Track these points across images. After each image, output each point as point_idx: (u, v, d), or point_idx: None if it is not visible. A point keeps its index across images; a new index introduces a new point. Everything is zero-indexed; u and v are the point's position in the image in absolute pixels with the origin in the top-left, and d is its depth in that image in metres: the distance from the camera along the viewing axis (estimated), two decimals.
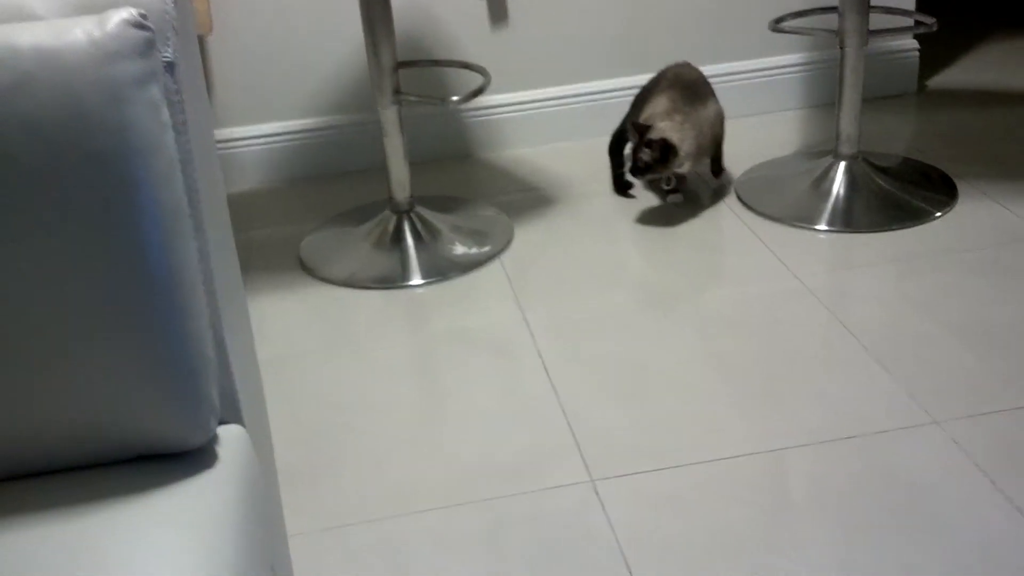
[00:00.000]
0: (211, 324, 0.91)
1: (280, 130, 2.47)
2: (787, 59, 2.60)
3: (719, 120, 2.22)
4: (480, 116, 2.52)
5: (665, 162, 2.07)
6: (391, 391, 1.71)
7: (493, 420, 1.62)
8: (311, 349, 1.84)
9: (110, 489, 0.84)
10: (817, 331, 1.76)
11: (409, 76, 2.39)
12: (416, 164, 2.47)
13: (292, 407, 1.69)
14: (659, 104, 2.13)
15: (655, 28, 2.53)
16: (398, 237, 2.12)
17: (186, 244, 0.85)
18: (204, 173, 0.95)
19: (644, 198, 2.27)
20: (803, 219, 2.10)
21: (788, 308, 1.83)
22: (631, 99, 2.28)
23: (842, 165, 2.16)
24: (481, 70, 2.10)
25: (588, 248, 2.10)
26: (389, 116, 2.06)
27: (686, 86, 2.17)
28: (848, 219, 2.09)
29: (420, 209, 2.17)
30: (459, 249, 2.10)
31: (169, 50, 0.89)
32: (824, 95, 2.63)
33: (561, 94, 2.54)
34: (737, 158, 2.40)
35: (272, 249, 2.21)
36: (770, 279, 1.92)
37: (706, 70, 2.46)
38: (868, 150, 2.24)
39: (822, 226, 2.08)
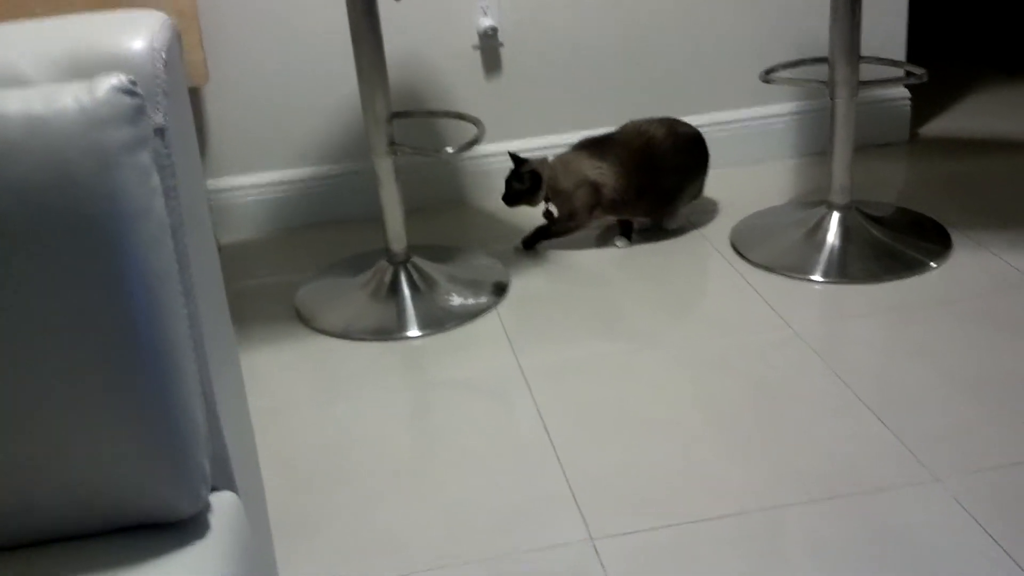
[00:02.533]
0: (202, 390, 0.90)
1: (276, 179, 2.48)
2: (779, 108, 2.61)
3: (589, 188, 2.24)
4: (474, 164, 2.53)
5: (534, 192, 2.23)
6: (385, 441, 1.70)
7: (488, 470, 1.60)
8: (305, 399, 1.83)
9: (98, 561, 0.83)
10: (811, 380, 1.76)
11: (404, 126, 2.40)
12: (411, 211, 2.47)
13: (286, 457, 1.68)
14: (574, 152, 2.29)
15: (648, 78, 2.55)
16: (395, 288, 2.12)
17: (175, 309, 0.84)
18: (195, 236, 0.95)
19: (636, 248, 2.27)
20: (797, 269, 2.10)
21: (782, 357, 1.83)
22: None
23: (835, 215, 2.16)
24: (475, 121, 2.10)
25: (582, 295, 2.10)
26: (384, 167, 2.06)
27: (611, 142, 2.26)
28: (842, 269, 2.09)
29: (416, 259, 2.16)
30: (455, 300, 2.09)
31: (160, 114, 0.90)
32: (817, 143, 2.64)
33: (554, 143, 2.55)
34: (731, 207, 2.41)
35: (267, 299, 2.20)
36: (763, 328, 1.92)
37: (698, 119, 2.48)
38: (861, 199, 2.25)
39: (816, 276, 2.08)
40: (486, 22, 2.42)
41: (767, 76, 2.18)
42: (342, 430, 1.74)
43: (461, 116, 2.15)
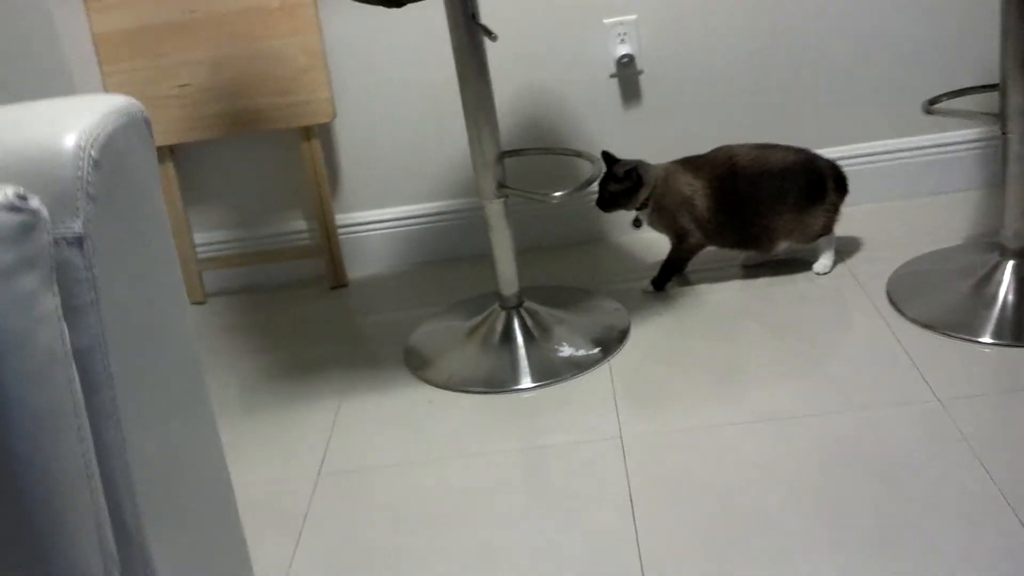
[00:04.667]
0: (127, 527, 0.81)
1: (401, 215, 2.41)
2: (951, 136, 2.30)
3: (685, 204, 2.06)
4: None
5: (632, 193, 2.05)
6: (460, 513, 1.57)
7: (563, 559, 1.45)
8: (389, 460, 1.74)
9: None
10: (953, 475, 1.49)
11: (528, 161, 2.27)
12: (532, 248, 2.35)
13: (354, 524, 1.58)
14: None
15: (792, 103, 2.30)
16: (507, 336, 1.99)
17: (67, 448, 0.75)
18: (135, 343, 0.86)
19: (778, 288, 2.04)
20: (962, 328, 1.81)
21: (921, 441, 1.57)
22: None
23: (1010, 265, 1.86)
24: (591, 158, 1.95)
25: (704, 348, 1.90)
26: (493, 210, 1.94)
27: (703, 160, 2.09)
28: (1018, 331, 1.79)
29: (530, 304, 2.03)
30: (566, 350, 1.95)
31: (77, 222, 0.81)
32: (996, 173, 2.30)
33: None
34: (894, 247, 2.14)
35: (380, 340, 2.13)
36: (908, 402, 1.66)
37: (858, 148, 2.22)
38: None
39: (985, 338, 1.79)
40: (623, 49, 2.25)
41: (930, 107, 1.90)
42: (418, 497, 1.63)
43: (577, 153, 2.00)
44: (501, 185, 1.92)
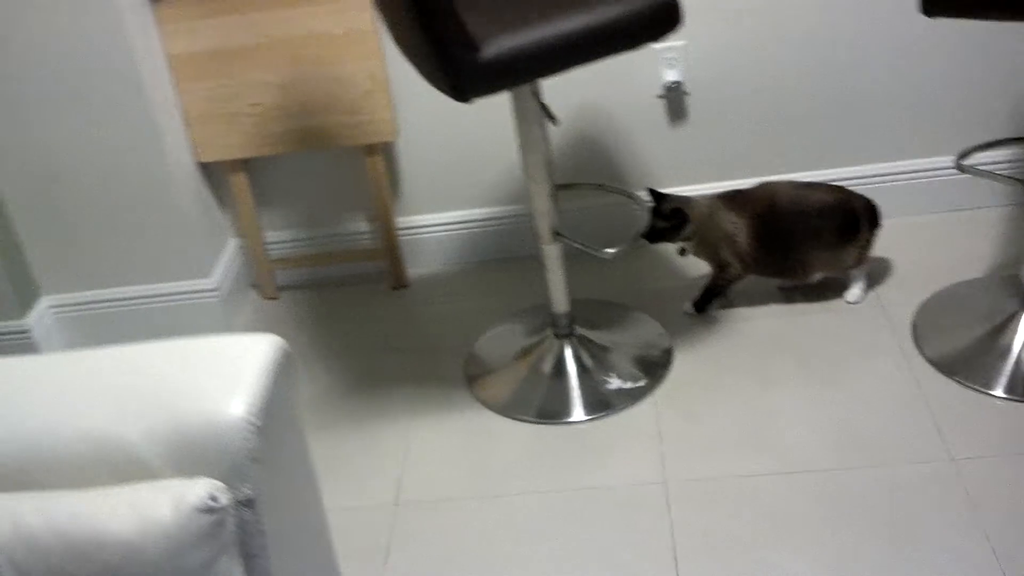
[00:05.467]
0: None
1: (459, 218, 2.56)
2: (993, 155, 2.41)
3: (727, 240, 2.22)
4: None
5: (678, 230, 2.19)
6: (510, 551, 1.79)
7: None
8: (449, 493, 1.95)
9: None
10: (956, 542, 1.69)
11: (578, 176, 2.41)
12: (582, 255, 2.49)
13: (435, 559, 1.81)
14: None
15: (838, 126, 2.41)
16: (558, 367, 2.17)
17: None
18: (290, 557, 1.06)
19: (811, 316, 2.21)
20: (977, 377, 1.98)
21: (932, 504, 1.76)
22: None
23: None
24: (641, 204, 2.08)
25: (744, 387, 2.08)
26: (549, 253, 2.10)
27: (744, 197, 2.22)
28: None
29: (581, 330, 2.21)
30: (614, 382, 2.13)
31: (248, 486, 0.99)
32: None
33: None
34: (922, 275, 2.28)
35: (441, 347, 2.32)
36: (921, 457, 1.85)
37: (894, 165, 2.33)
38: None
39: (998, 391, 1.95)
40: (671, 75, 2.35)
41: (961, 164, 2.01)
42: (473, 532, 1.85)
43: (630, 196, 2.13)
44: (557, 233, 2.07)
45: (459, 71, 1.66)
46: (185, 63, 2.32)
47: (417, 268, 2.61)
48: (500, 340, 2.33)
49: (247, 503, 0.99)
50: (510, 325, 2.36)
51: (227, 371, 1.04)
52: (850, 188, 2.22)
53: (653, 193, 2.22)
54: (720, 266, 2.26)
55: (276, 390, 1.05)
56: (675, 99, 2.40)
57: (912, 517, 1.75)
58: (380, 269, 2.60)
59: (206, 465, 0.98)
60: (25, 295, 2.42)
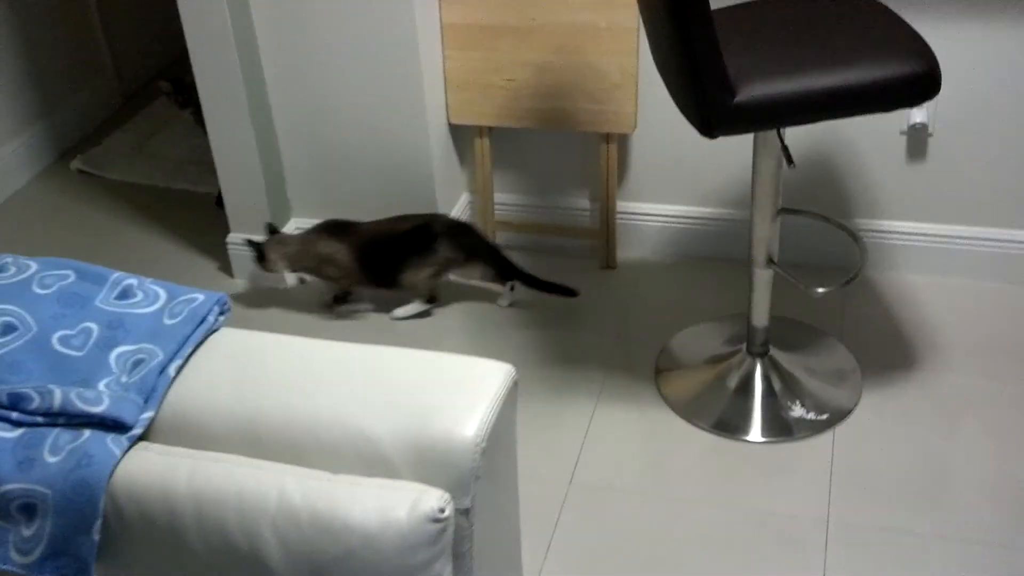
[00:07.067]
0: None
1: (678, 213, 2.66)
2: None
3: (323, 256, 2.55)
4: (879, 237, 2.53)
5: (260, 261, 2.55)
6: (664, 554, 1.92)
7: None
8: (631, 486, 2.09)
9: None
10: None
11: (799, 190, 2.45)
12: (796, 264, 2.54)
13: (599, 546, 1.97)
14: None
15: None
16: (745, 383, 2.26)
17: None
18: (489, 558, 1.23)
19: (1000, 390, 2.21)
20: None
21: None
22: None
23: None
24: (863, 248, 2.12)
25: (926, 439, 2.12)
26: (760, 277, 2.17)
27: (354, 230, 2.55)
28: None
29: (774, 351, 2.29)
30: (797, 411, 2.21)
31: (467, 498, 1.16)
32: None
33: (975, 235, 2.47)
34: None
35: (637, 335, 2.45)
36: None
37: None
38: None
39: None
40: (918, 116, 2.35)
41: None
42: (642, 529, 1.99)
43: (853, 235, 2.17)
44: (771, 260, 2.14)
45: (711, 111, 1.74)
46: (456, 32, 2.49)
47: (627, 252, 2.73)
48: (695, 340, 2.44)
49: (464, 512, 1.16)
50: (708, 327, 2.46)
51: (467, 392, 1.21)
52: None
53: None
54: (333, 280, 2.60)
55: (503, 415, 1.21)
56: (917, 138, 2.40)
57: None
58: (592, 247, 2.73)
59: (437, 473, 1.15)
60: (279, 214, 2.69)
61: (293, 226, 2.74)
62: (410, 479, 1.16)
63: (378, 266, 2.52)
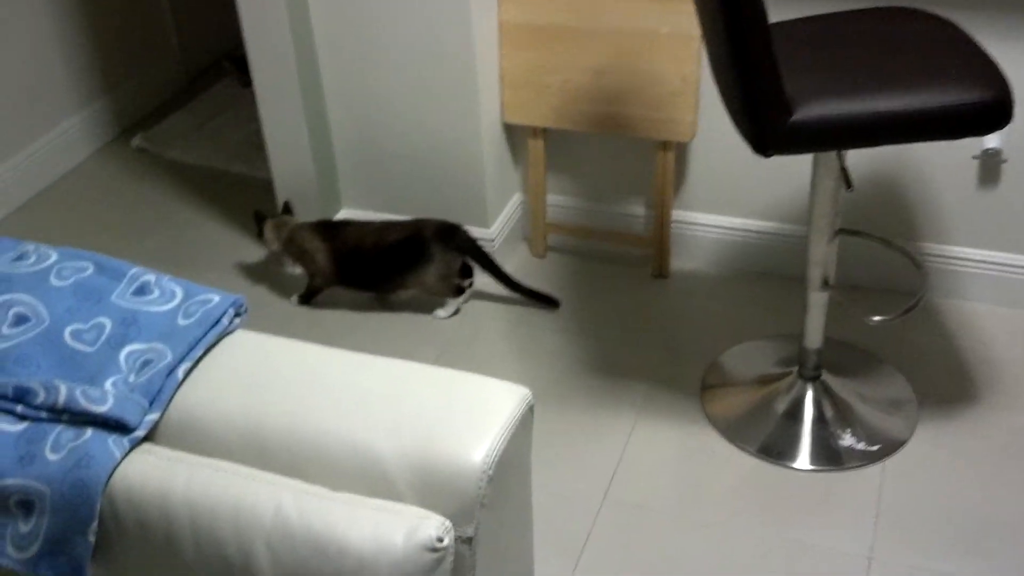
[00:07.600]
0: None
1: (731, 224, 2.57)
2: None
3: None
4: (943, 262, 2.42)
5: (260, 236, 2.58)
6: None
7: None
8: (667, 507, 2.03)
9: None
10: None
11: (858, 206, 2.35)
12: (851, 289, 2.45)
13: (630, 565, 1.91)
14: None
15: None
16: (795, 408, 2.18)
17: None
18: None
19: None
20: None
21: None
22: None
23: None
24: (924, 274, 2.03)
25: (979, 484, 2.02)
26: (815, 299, 2.09)
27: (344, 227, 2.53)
28: None
29: (827, 376, 2.20)
30: (847, 440, 2.12)
31: (471, 526, 1.11)
32: None
33: None
34: None
35: (685, 348, 2.37)
36: None
37: None
38: None
39: None
40: (992, 141, 2.23)
41: None
42: (676, 554, 1.93)
43: (913, 260, 2.08)
44: (826, 283, 2.05)
45: (766, 130, 1.67)
46: (513, 32, 2.43)
47: (681, 262, 2.66)
48: (745, 358, 2.36)
49: (467, 541, 1.11)
50: (759, 344, 2.38)
51: (479, 415, 1.16)
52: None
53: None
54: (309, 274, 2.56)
55: (514, 442, 1.16)
56: (990, 164, 2.29)
57: None
58: (645, 255, 2.66)
59: (440, 498, 1.10)
60: (329, 204, 2.67)
61: (343, 216, 2.71)
62: (412, 502, 1.11)
63: (364, 273, 2.50)
